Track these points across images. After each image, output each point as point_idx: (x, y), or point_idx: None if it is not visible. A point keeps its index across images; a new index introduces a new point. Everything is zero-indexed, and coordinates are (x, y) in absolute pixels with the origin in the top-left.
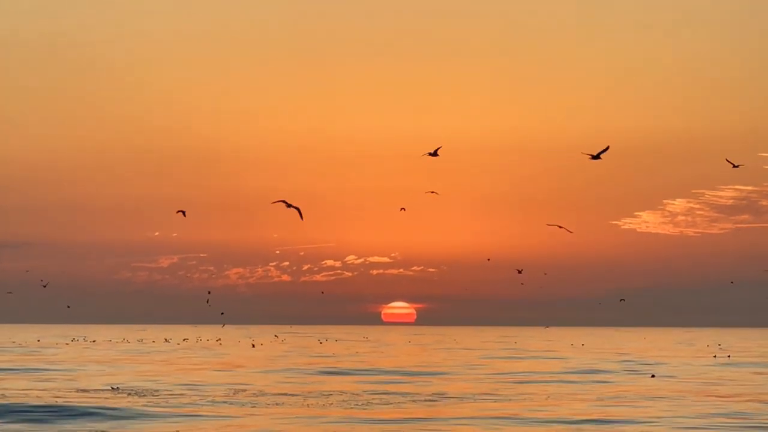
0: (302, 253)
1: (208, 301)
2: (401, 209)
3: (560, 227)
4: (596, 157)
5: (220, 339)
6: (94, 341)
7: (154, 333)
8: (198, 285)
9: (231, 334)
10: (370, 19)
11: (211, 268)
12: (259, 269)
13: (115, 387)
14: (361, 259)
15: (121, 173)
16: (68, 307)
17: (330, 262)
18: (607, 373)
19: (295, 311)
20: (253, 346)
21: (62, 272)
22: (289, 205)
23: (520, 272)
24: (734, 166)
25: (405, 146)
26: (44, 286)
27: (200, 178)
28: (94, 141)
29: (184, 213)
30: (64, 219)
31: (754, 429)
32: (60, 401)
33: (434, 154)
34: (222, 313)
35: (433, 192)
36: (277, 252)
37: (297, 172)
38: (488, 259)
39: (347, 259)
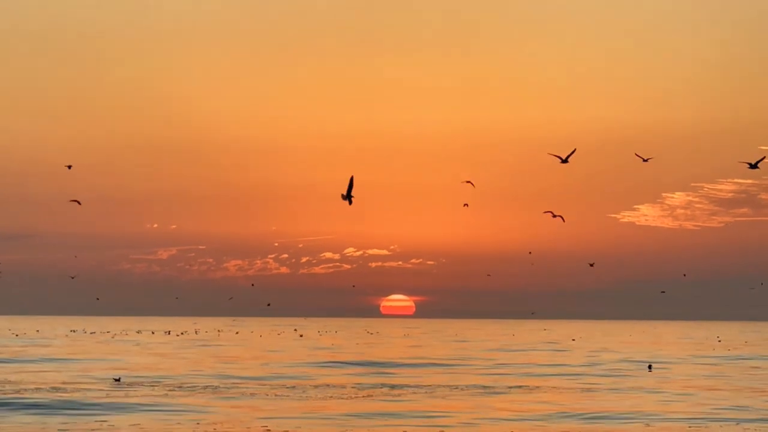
0: (301, 246)
1: (254, 285)
2: (464, 205)
3: (554, 215)
4: (565, 160)
5: (220, 330)
6: (93, 333)
7: (153, 324)
8: (197, 277)
9: (231, 325)
10: (370, 16)
11: (210, 260)
12: (258, 261)
13: (117, 378)
14: (360, 252)
15: (120, 165)
16: (97, 299)
17: (329, 255)
18: (605, 365)
19: (293, 303)
20: (302, 335)
21: (77, 263)
22: (346, 197)
23: (591, 265)
24: (644, 160)
25: (403, 141)
26: (72, 278)
27: (199, 171)
28: (93, 133)
29: (78, 202)
30: (63, 211)
31: (752, 422)
32: (60, 393)
33: (565, 160)
34: (269, 304)
35: (469, 182)
36: (276, 244)
37: (296, 165)
38: (530, 252)
39: (346, 251)
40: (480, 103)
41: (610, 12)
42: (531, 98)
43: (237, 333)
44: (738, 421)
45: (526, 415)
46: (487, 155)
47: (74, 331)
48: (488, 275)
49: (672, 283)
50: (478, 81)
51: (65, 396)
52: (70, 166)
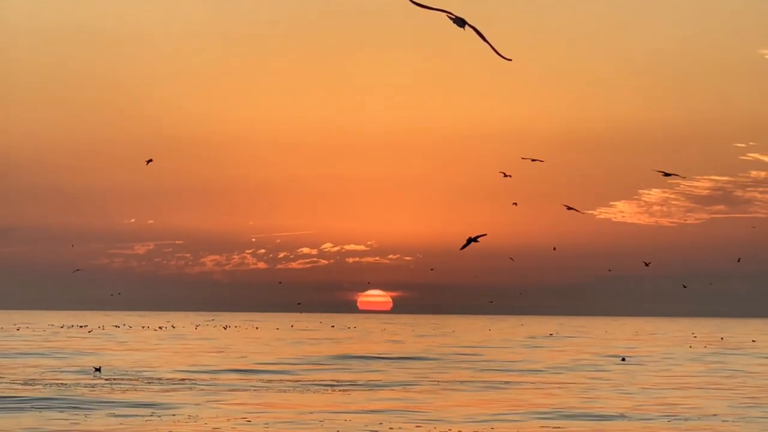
0: (278, 241)
1: (299, 303)
2: (513, 204)
3: (569, 208)
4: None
5: (198, 324)
6: (71, 327)
7: (131, 319)
8: (174, 272)
9: (212, 321)
10: (345, 13)
11: (187, 255)
12: (235, 256)
13: (97, 368)
14: (338, 247)
15: (98, 161)
16: (117, 294)
17: (306, 250)
18: (581, 360)
19: (270, 299)
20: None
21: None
22: (471, 240)
23: (647, 264)
24: (506, 175)
25: (381, 136)
26: (77, 270)
27: (177, 166)
28: (73, 129)
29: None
30: (42, 205)
31: (728, 416)
32: (37, 388)
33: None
34: (299, 303)
35: (506, 175)
36: (254, 239)
37: (274, 160)
38: (554, 248)
39: (323, 246)
40: (457, 100)
41: (587, 9)
42: (508, 94)
43: (225, 328)
44: (716, 414)
45: (501, 412)
46: (464, 150)
47: (52, 326)
48: (431, 269)
49: (649, 280)
50: (461, 78)
51: (42, 390)
52: (150, 160)
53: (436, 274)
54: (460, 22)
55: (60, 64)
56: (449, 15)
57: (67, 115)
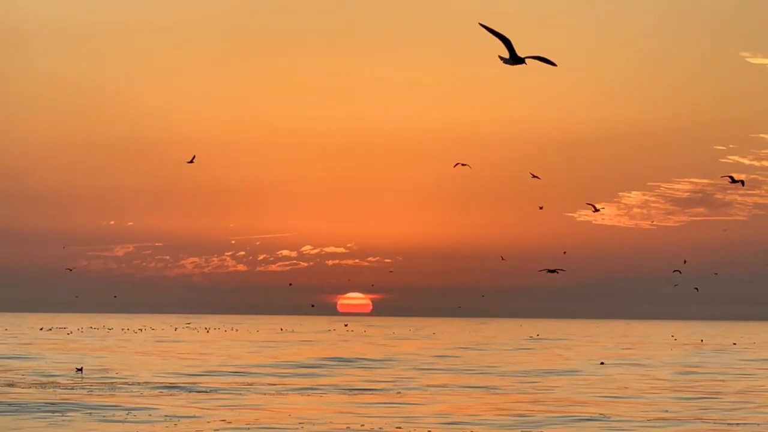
0: (258, 243)
1: (312, 305)
2: (539, 207)
3: (595, 209)
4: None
5: (176, 327)
6: (51, 329)
7: (110, 321)
8: (153, 274)
9: (189, 324)
10: (330, 10)
11: (167, 257)
12: (215, 259)
13: (79, 368)
14: (317, 250)
15: (77, 162)
16: (115, 296)
17: (286, 252)
18: (561, 363)
19: (250, 301)
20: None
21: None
22: (552, 271)
23: (678, 272)
24: (462, 165)
25: (361, 139)
26: (70, 270)
27: (155, 168)
28: (50, 130)
29: (193, 159)
30: (20, 208)
31: (707, 417)
32: (17, 389)
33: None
34: (312, 306)
35: (534, 176)
36: (233, 241)
37: (253, 162)
38: (564, 252)
39: (303, 249)
40: (435, 101)
41: (565, 11)
42: (487, 96)
43: (207, 330)
44: (697, 417)
45: (482, 414)
46: (443, 152)
47: (31, 328)
48: (391, 271)
49: (629, 282)
50: (441, 78)
51: (20, 393)
52: (192, 159)
53: (415, 276)
54: (517, 61)
55: (39, 64)
56: (502, 58)
57: (44, 116)
